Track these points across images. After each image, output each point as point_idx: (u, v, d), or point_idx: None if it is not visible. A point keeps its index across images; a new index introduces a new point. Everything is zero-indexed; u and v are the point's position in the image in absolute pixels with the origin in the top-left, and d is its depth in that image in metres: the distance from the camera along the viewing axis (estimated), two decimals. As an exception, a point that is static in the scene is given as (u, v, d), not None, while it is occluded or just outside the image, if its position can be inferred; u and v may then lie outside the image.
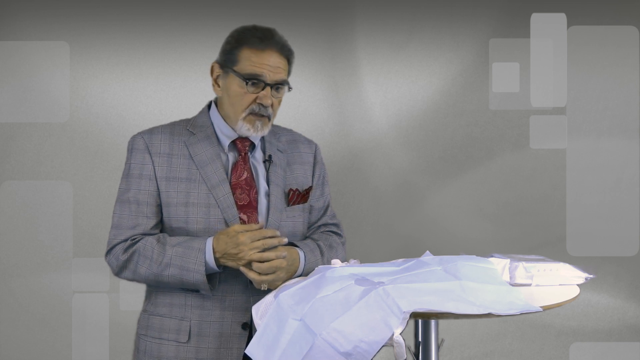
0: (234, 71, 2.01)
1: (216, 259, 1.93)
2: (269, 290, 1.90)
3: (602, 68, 3.98)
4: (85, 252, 3.77)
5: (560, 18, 3.88)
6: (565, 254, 3.83)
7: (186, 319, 2.00)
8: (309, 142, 2.24)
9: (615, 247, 3.94)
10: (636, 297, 4.01)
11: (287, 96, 2.08)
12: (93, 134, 3.87)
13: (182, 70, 3.88)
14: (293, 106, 3.80)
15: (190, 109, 2.29)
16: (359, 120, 4.04)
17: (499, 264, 1.93)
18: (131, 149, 2.06)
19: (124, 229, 2.01)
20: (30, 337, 3.78)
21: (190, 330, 2.00)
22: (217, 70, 2.07)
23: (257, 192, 2.06)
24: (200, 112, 2.13)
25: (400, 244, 3.99)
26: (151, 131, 2.08)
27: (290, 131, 2.24)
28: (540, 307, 1.69)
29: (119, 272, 2.02)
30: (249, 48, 2.00)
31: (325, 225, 2.20)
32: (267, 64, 2.00)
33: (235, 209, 2.01)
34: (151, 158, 2.03)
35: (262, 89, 2.01)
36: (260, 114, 2.02)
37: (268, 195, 2.06)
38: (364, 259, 1.99)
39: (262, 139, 2.12)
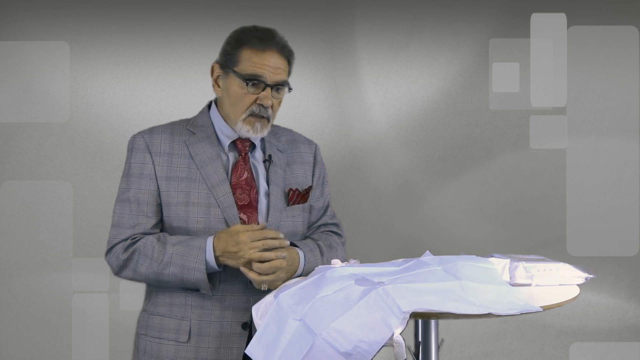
0: (234, 72, 2.01)
1: (216, 257, 1.93)
2: (269, 291, 1.90)
3: (602, 68, 3.98)
4: (85, 252, 3.77)
5: (560, 18, 3.88)
6: (565, 254, 3.83)
7: (186, 319, 2.00)
8: (309, 142, 2.24)
9: (615, 247, 3.94)
10: (636, 297, 4.01)
11: (287, 96, 2.08)
12: (93, 134, 3.87)
13: (182, 70, 3.88)
14: (293, 106, 3.80)
15: (190, 109, 2.29)
16: (359, 120, 4.04)
17: (499, 264, 1.93)
18: (131, 148, 2.06)
19: (124, 228, 2.01)
20: (30, 337, 3.78)
21: (190, 330, 2.00)
22: (218, 71, 2.07)
23: (257, 192, 2.06)
24: (201, 112, 2.13)
25: (400, 244, 3.99)
26: (151, 131, 2.08)
27: (290, 131, 2.24)
28: (540, 307, 1.69)
29: (119, 271, 2.01)
30: (249, 48, 2.00)
31: (325, 225, 2.20)
32: (267, 64, 2.00)
33: (236, 208, 2.01)
34: (151, 157, 2.03)
35: (263, 90, 2.01)
36: (260, 115, 2.02)
37: (268, 195, 2.06)
38: (364, 259, 1.99)
39: (262, 139, 2.12)
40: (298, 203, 2.11)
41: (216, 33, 2.30)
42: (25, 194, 3.83)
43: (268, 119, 2.04)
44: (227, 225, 1.98)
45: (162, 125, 2.10)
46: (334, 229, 2.21)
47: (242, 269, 1.92)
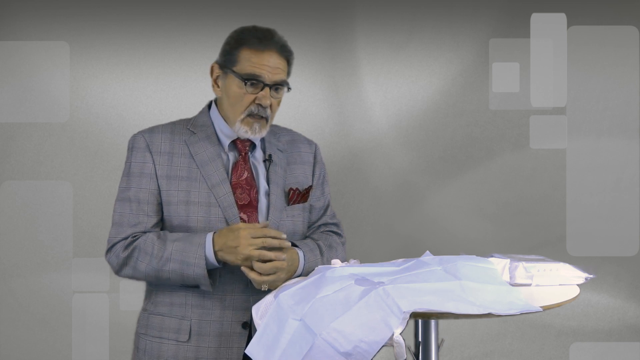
0: (233, 72, 2.01)
1: (215, 253, 1.93)
2: (269, 291, 1.90)
3: (602, 68, 3.98)
4: (85, 252, 3.77)
5: (560, 18, 3.88)
6: (565, 254, 3.83)
7: (186, 318, 2.00)
8: (309, 141, 2.24)
9: (615, 247, 3.94)
10: (636, 297, 4.01)
11: (287, 96, 2.08)
12: (93, 134, 3.87)
13: (182, 70, 3.88)
14: (293, 106, 3.80)
15: (190, 109, 2.28)
16: (359, 120, 4.04)
17: (499, 264, 1.93)
18: (132, 147, 2.06)
19: (125, 226, 2.00)
20: (30, 337, 3.78)
21: (190, 330, 2.00)
22: (217, 71, 2.07)
23: (257, 192, 2.06)
24: (201, 112, 2.13)
25: (400, 244, 3.99)
26: (152, 130, 2.08)
27: (290, 131, 2.24)
28: (540, 307, 1.69)
29: (119, 269, 2.01)
30: (248, 48, 2.00)
31: (325, 225, 2.20)
32: (266, 64, 1.99)
33: (236, 208, 2.01)
34: (152, 156, 2.03)
35: (261, 90, 2.01)
36: (259, 115, 2.02)
37: (268, 194, 2.07)
38: (364, 259, 1.98)
39: (263, 138, 2.12)
40: (298, 203, 2.11)
41: (216, 33, 2.30)
42: (25, 194, 3.83)
43: (266, 120, 2.04)
44: (228, 224, 1.99)
45: (163, 125, 2.10)
46: (334, 228, 2.21)
47: (243, 268, 1.92)
